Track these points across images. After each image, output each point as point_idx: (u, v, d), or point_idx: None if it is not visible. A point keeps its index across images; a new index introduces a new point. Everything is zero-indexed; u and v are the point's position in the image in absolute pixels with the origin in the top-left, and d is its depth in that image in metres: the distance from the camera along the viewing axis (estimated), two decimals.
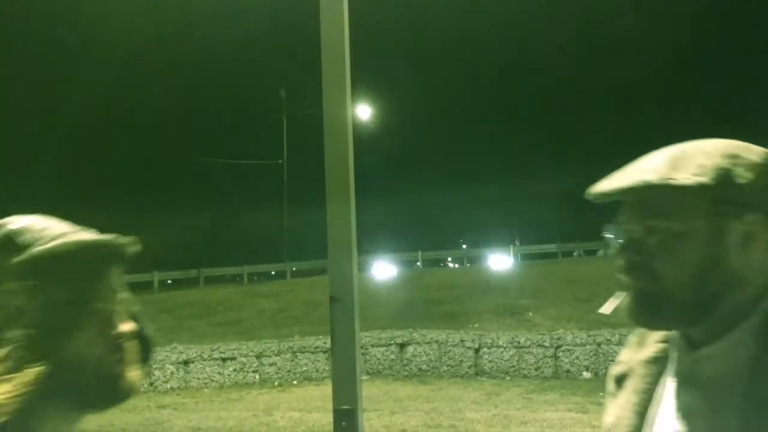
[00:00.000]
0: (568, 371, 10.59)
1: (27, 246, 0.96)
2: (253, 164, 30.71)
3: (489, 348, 11.10)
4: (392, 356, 11.58)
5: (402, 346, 11.58)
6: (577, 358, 10.57)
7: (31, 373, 0.90)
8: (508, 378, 10.73)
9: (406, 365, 11.49)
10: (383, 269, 21.23)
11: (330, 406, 3.44)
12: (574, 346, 10.74)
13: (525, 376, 10.70)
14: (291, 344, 11.76)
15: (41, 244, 0.96)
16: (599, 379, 9.91)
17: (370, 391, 9.46)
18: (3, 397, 0.88)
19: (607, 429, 1.02)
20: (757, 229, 0.88)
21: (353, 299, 3.25)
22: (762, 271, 0.90)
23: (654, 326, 0.97)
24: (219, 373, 11.79)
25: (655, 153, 0.94)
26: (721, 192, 0.87)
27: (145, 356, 1.10)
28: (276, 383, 11.30)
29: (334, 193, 3.35)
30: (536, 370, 10.76)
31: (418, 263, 22.38)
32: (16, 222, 1.00)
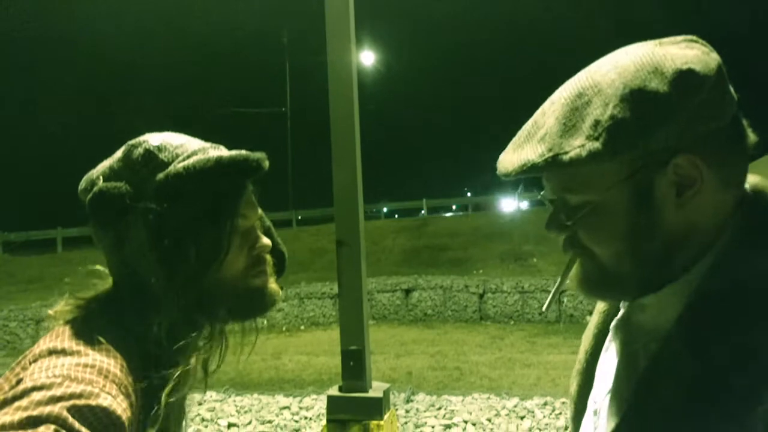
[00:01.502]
0: (571, 315, 10.73)
1: (168, 163, 0.95)
2: (256, 113, 30.46)
3: (493, 293, 11.23)
4: (398, 302, 11.73)
5: (407, 291, 11.72)
6: (581, 302, 10.67)
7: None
8: (512, 322, 10.88)
9: (411, 310, 11.66)
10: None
11: (337, 349, 3.52)
12: None
13: (529, 321, 10.85)
14: (298, 290, 11.92)
15: (181, 161, 0.95)
16: None
17: (376, 335, 9.63)
18: None
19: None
20: (693, 173, 0.72)
21: (359, 242, 3.29)
22: (709, 219, 0.74)
23: (603, 300, 0.87)
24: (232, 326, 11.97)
25: (559, 94, 0.78)
26: (626, 151, 0.70)
27: (280, 269, 1.12)
28: (284, 328, 11.50)
29: (339, 140, 3.35)
30: (540, 314, 10.90)
31: (423, 211, 22.41)
32: (154, 139, 0.98)
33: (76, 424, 0.74)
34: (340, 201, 3.45)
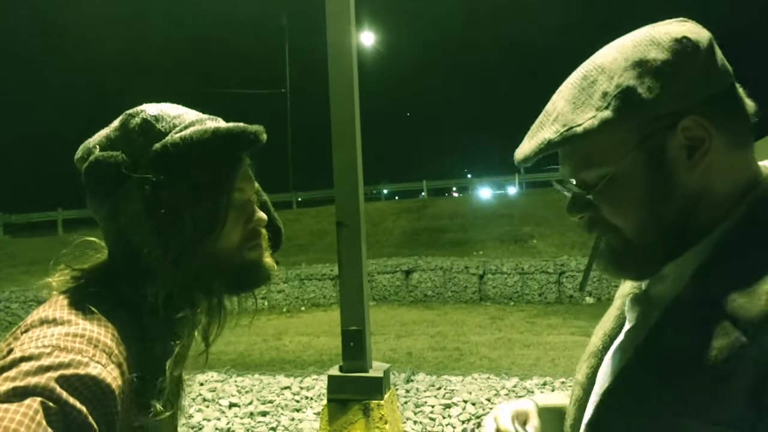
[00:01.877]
0: (571, 297, 10.77)
1: (165, 133, 0.94)
2: (256, 93, 30.32)
3: (493, 274, 11.26)
4: (398, 283, 11.77)
5: (407, 272, 11.76)
6: (579, 284, 10.70)
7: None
8: (512, 303, 10.93)
9: (411, 291, 11.70)
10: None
11: (338, 330, 3.55)
12: (577, 272, 10.89)
13: (528, 302, 10.89)
14: (298, 272, 11.96)
15: (178, 131, 0.94)
16: (602, 304, 10.08)
17: (376, 315, 9.68)
18: None
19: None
20: (702, 133, 0.74)
21: (359, 223, 3.30)
22: (725, 178, 0.76)
23: (630, 278, 0.88)
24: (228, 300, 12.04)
25: (566, 82, 0.81)
26: (636, 116, 0.74)
27: (276, 243, 1.12)
28: (284, 309, 11.55)
29: (339, 121, 3.34)
30: (540, 295, 10.95)
31: (423, 193, 22.39)
32: (151, 108, 0.97)
33: (64, 395, 0.73)
34: (341, 182, 3.45)
